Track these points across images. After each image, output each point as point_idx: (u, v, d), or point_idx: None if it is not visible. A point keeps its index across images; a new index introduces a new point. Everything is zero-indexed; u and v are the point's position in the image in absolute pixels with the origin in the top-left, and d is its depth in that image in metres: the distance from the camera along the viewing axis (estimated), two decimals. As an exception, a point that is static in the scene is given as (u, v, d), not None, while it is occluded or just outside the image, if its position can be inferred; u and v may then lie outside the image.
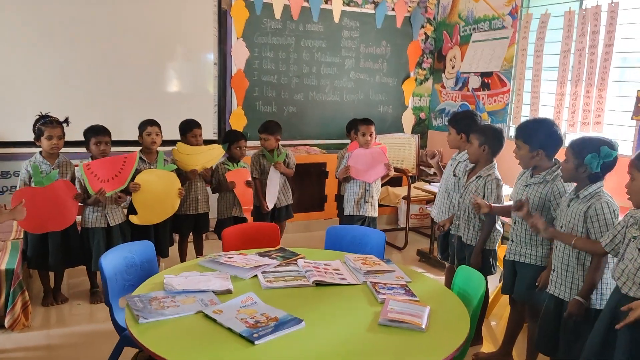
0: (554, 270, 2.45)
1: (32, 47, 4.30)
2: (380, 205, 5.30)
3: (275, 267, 2.47)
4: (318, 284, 2.30)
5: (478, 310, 2.22)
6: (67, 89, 4.44)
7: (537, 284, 2.63)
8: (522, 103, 4.78)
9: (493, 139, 2.98)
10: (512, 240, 2.80)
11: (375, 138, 4.12)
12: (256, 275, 2.37)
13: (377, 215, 4.09)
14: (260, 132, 4.16)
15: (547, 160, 2.65)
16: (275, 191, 4.19)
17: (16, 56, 4.26)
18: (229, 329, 1.85)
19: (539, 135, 2.64)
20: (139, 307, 1.98)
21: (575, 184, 2.43)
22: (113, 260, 2.48)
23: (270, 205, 4.16)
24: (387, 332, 1.92)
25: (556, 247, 2.45)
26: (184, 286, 2.17)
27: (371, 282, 2.33)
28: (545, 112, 4.47)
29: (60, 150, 3.44)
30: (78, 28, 4.42)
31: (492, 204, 2.85)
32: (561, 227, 2.40)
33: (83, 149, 3.57)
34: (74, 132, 3.51)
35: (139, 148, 3.75)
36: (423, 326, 1.94)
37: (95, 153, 3.47)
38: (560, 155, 2.56)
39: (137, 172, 3.57)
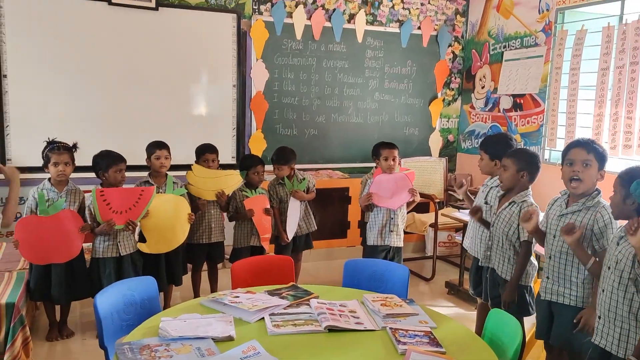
0: (599, 317, 2.14)
1: (48, 71, 4.22)
2: (406, 233, 5.04)
3: (285, 309, 2.23)
4: (331, 329, 2.06)
5: (514, 361, 1.94)
6: (81, 114, 4.34)
7: (575, 321, 2.33)
8: (557, 124, 4.48)
9: (531, 164, 2.73)
10: (548, 277, 2.50)
11: (400, 163, 3.87)
12: (263, 318, 2.14)
13: (402, 246, 3.82)
14: (273, 161, 3.96)
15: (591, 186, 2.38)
16: (296, 221, 3.98)
17: (31, 80, 4.18)
18: (225, 387, 1.63)
19: (605, 152, 2.41)
20: (127, 357, 1.77)
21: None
22: (110, 298, 2.29)
23: (290, 235, 3.95)
24: (407, 392, 1.66)
25: (602, 291, 2.14)
26: (181, 332, 1.95)
27: (391, 328, 2.07)
28: (582, 134, 4.16)
29: (71, 176, 3.31)
30: (94, 51, 4.33)
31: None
32: (608, 268, 2.10)
33: (92, 174, 3.42)
34: (87, 158, 3.39)
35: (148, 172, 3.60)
36: (449, 385, 1.67)
37: (114, 181, 3.33)
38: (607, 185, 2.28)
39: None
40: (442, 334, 2.07)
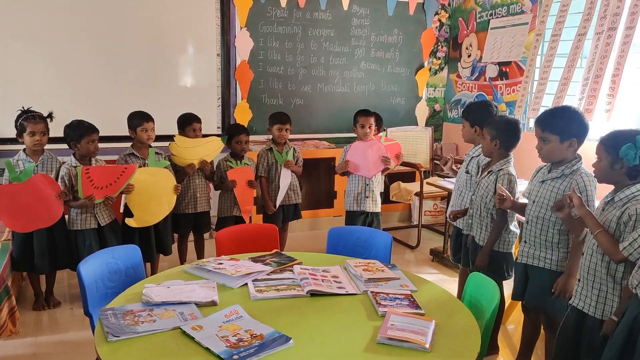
0: (579, 281, 2.18)
1: (28, 40, 4.14)
2: (392, 202, 5.11)
3: (268, 275, 2.26)
4: (313, 294, 2.09)
5: (491, 323, 1.98)
6: (63, 83, 4.28)
7: (552, 290, 2.38)
8: (527, 92, 4.49)
9: (506, 133, 2.72)
10: (525, 241, 2.54)
11: (386, 132, 3.89)
12: (246, 284, 2.17)
13: (379, 211, 3.97)
14: (275, 122, 3.94)
15: (572, 151, 2.38)
16: (285, 190, 4.01)
17: (9, 49, 4.10)
18: (207, 349, 1.65)
19: (569, 123, 2.35)
20: (111, 322, 1.79)
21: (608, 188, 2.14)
22: (93, 266, 2.28)
23: (277, 204, 3.99)
24: (386, 352, 1.70)
25: (583, 254, 2.18)
26: (164, 297, 1.97)
27: (372, 291, 2.11)
28: (549, 101, 4.18)
29: (46, 146, 3.27)
30: (74, 19, 4.25)
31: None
32: (590, 232, 2.13)
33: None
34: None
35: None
36: (427, 345, 1.71)
37: (87, 152, 3.29)
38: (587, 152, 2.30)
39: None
40: (423, 297, 2.11)
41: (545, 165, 2.52)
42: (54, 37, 4.21)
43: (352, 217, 3.89)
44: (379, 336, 1.75)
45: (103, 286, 2.31)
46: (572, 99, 4.13)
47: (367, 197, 3.85)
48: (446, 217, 4.47)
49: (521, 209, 2.62)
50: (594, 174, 2.19)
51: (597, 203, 2.26)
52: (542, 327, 2.69)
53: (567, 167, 2.38)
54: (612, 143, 2.04)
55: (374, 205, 3.90)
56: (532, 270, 2.52)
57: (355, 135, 3.91)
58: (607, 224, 2.05)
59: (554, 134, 2.36)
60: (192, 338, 1.71)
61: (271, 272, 2.29)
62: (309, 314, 1.96)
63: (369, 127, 3.79)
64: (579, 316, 2.15)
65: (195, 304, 1.95)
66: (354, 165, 3.82)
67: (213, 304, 1.97)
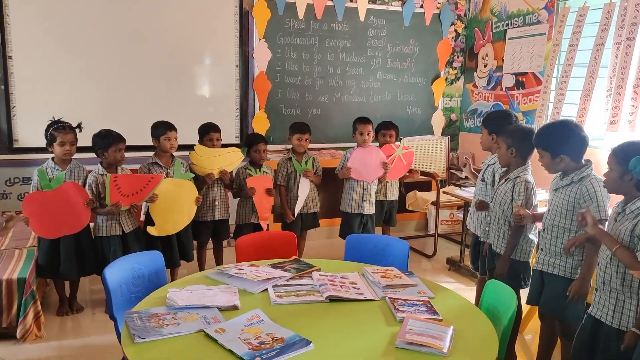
0: (596, 290, 2.19)
1: (53, 52, 4.26)
2: (408, 211, 5.13)
3: (287, 281, 2.31)
4: (332, 299, 2.13)
5: (509, 330, 2.01)
6: (86, 94, 4.38)
7: (567, 293, 2.40)
8: (547, 102, 4.50)
9: (522, 141, 2.75)
10: (542, 249, 2.58)
11: (401, 141, 3.96)
12: (266, 290, 2.22)
13: (374, 212, 4.21)
14: (295, 132, 4.04)
15: (574, 162, 2.44)
16: (304, 199, 4.09)
17: (36, 60, 4.22)
18: (230, 351, 1.70)
19: (558, 141, 2.45)
20: (137, 324, 1.85)
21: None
22: (118, 271, 2.36)
23: (295, 213, 4.06)
24: (405, 356, 1.73)
25: (598, 264, 2.20)
26: (187, 302, 2.02)
27: (390, 297, 2.14)
28: (570, 111, 4.19)
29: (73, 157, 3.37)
30: (98, 31, 4.36)
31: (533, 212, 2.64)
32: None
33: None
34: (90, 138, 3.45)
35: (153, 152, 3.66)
36: (445, 350, 1.74)
37: (114, 160, 3.38)
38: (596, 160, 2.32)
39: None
40: (440, 303, 2.14)
41: (559, 174, 2.55)
42: (79, 50, 4.32)
43: (350, 219, 4.13)
44: (397, 340, 1.78)
45: (127, 291, 2.37)
46: (593, 110, 4.14)
47: (364, 201, 4.08)
48: (463, 226, 4.50)
49: (541, 219, 2.64)
50: (604, 184, 2.22)
51: (609, 210, 2.27)
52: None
53: (577, 175, 2.42)
54: (623, 155, 2.06)
55: (370, 207, 4.15)
56: (547, 277, 2.54)
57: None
58: (620, 236, 2.06)
59: (546, 151, 2.47)
60: (216, 340, 1.76)
61: (290, 278, 2.34)
62: (328, 318, 2.00)
63: (368, 134, 4.01)
64: (595, 324, 2.17)
65: (217, 308, 2.00)
66: (355, 172, 4.01)
67: (235, 308, 2.02)
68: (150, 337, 1.78)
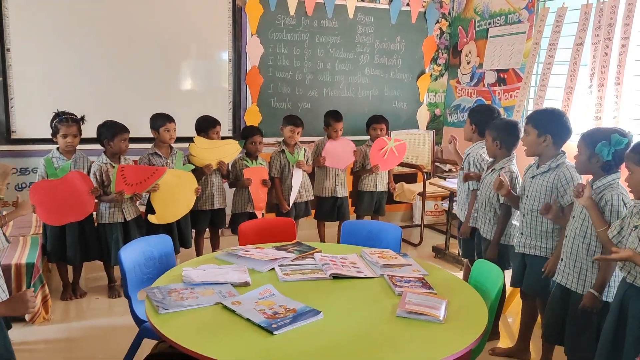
0: (562, 260, 2.46)
1: (50, 44, 4.34)
2: (395, 202, 5.34)
3: (292, 261, 2.48)
4: (335, 276, 2.31)
5: (496, 303, 2.21)
6: (82, 87, 4.47)
7: (543, 270, 2.63)
8: (525, 97, 4.76)
9: (506, 134, 2.97)
10: (522, 233, 2.80)
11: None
12: (273, 269, 2.38)
13: (347, 195, 4.57)
14: (288, 124, 4.22)
15: (554, 148, 2.65)
16: (297, 189, 4.26)
17: (34, 53, 4.30)
18: (248, 320, 1.86)
19: (548, 121, 2.66)
20: (158, 298, 2.00)
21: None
22: (132, 253, 2.51)
23: (290, 202, 4.23)
24: (405, 324, 1.92)
25: (566, 236, 2.44)
26: (203, 278, 2.18)
27: (388, 275, 2.33)
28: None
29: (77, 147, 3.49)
30: (94, 25, 4.46)
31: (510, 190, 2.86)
32: (573, 217, 2.40)
33: (97, 146, 3.60)
34: (90, 130, 3.56)
35: (152, 144, 3.79)
36: (441, 318, 1.93)
37: (119, 150, 3.51)
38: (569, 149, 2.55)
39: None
40: (434, 280, 2.33)
41: (533, 163, 2.77)
42: (76, 43, 4.42)
43: (323, 202, 4.51)
44: (398, 310, 1.97)
45: (140, 271, 2.52)
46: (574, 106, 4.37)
47: (337, 185, 4.47)
48: (447, 216, 4.72)
49: (515, 201, 2.86)
50: (574, 165, 2.45)
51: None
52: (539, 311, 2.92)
53: (553, 162, 2.65)
54: (591, 140, 2.32)
55: (343, 190, 4.52)
56: (529, 258, 2.77)
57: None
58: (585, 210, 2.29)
59: (535, 128, 2.67)
60: (233, 311, 1.93)
61: (294, 258, 2.51)
62: (333, 293, 2.18)
63: (340, 129, 4.42)
64: (564, 292, 2.44)
65: (231, 284, 2.16)
66: (330, 161, 4.40)
67: (246, 284, 2.19)
68: (173, 308, 1.93)
